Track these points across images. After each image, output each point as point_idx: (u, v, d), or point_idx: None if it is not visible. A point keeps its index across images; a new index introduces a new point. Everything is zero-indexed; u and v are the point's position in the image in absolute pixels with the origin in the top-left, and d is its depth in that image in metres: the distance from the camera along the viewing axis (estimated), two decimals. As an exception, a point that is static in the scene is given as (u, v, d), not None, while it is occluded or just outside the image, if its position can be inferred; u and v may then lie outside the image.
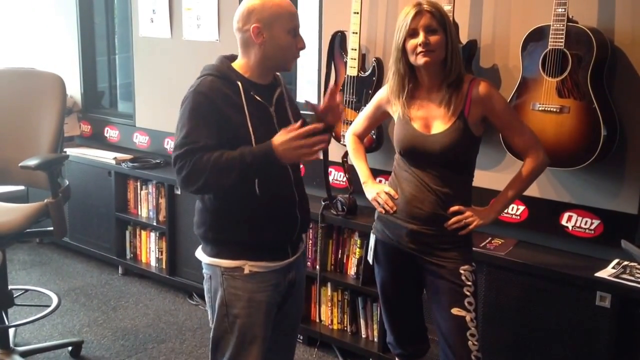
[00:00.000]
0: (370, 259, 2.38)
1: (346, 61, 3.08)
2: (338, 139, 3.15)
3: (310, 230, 3.25)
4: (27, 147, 2.94)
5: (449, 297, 2.16)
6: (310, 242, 3.28)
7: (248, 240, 1.96)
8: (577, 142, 2.45)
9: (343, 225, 3.17)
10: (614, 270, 2.46)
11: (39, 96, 3.05)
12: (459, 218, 2.17)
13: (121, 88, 4.79)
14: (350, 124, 2.60)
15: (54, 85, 3.04)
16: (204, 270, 2.04)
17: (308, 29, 3.39)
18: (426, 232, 2.18)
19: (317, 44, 3.36)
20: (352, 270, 3.19)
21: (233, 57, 2.00)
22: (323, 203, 3.20)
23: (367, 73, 3.04)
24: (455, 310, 2.15)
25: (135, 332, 3.47)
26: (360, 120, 2.47)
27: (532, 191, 2.68)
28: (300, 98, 3.42)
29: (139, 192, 4.13)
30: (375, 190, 2.30)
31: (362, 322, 3.20)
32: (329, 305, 3.29)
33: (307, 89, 3.50)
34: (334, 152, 3.19)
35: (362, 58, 3.07)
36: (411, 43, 2.10)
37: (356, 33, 3.00)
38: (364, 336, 3.21)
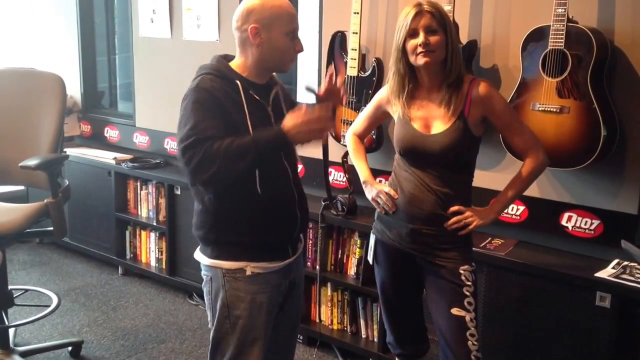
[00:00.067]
0: (370, 259, 2.38)
1: (346, 61, 3.08)
2: (338, 139, 3.16)
3: (310, 230, 3.25)
4: (27, 147, 2.94)
5: (449, 297, 2.16)
6: (310, 242, 3.28)
7: (250, 241, 1.95)
8: (577, 142, 2.45)
9: (343, 225, 3.17)
10: (614, 271, 2.46)
11: (39, 96, 3.05)
12: (459, 218, 2.17)
13: (121, 88, 4.79)
14: (351, 124, 2.61)
15: (54, 85, 3.04)
16: (203, 272, 2.03)
17: (308, 29, 3.39)
18: (426, 232, 2.18)
19: (317, 44, 3.36)
20: (352, 270, 3.19)
21: (228, 57, 1.99)
22: (323, 203, 3.20)
23: (367, 73, 3.04)
24: (455, 310, 2.15)
25: (135, 332, 3.47)
26: (360, 120, 2.47)
27: (532, 191, 2.68)
28: (301, 98, 3.42)
29: (138, 192, 4.13)
30: (375, 190, 2.30)
31: (362, 322, 3.20)
32: (329, 305, 3.29)
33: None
34: (334, 152, 3.19)
35: (362, 58, 3.07)
36: (411, 43, 2.10)
37: (356, 33, 3.00)
38: (364, 336, 3.21)
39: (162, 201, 3.97)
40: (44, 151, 2.90)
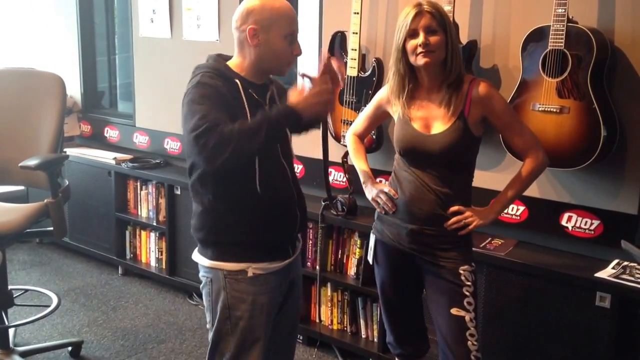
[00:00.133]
0: (370, 259, 2.38)
1: (346, 61, 3.08)
2: (338, 139, 3.16)
3: (310, 230, 3.26)
4: (27, 147, 2.94)
5: (449, 297, 2.16)
6: (310, 242, 3.28)
7: (251, 241, 1.94)
8: (577, 143, 2.45)
9: (343, 225, 3.17)
10: (614, 271, 2.46)
11: (39, 96, 3.05)
12: (459, 218, 2.17)
13: (121, 88, 4.79)
14: (351, 124, 2.61)
15: (54, 85, 3.04)
16: (202, 274, 2.01)
17: (308, 29, 3.39)
18: (426, 232, 2.18)
19: (317, 44, 3.36)
20: (352, 270, 3.19)
21: (223, 56, 1.98)
22: (323, 203, 3.20)
23: (367, 73, 3.04)
24: (454, 310, 2.15)
25: (135, 332, 3.47)
26: (360, 120, 2.47)
27: (532, 191, 2.68)
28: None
29: (138, 192, 4.13)
30: (375, 190, 2.30)
31: (362, 322, 3.20)
32: (329, 305, 3.29)
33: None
34: (334, 153, 3.19)
35: (362, 58, 3.07)
36: (411, 43, 2.10)
37: (356, 33, 3.00)
38: (363, 336, 3.21)
39: (162, 201, 3.97)
40: (44, 151, 2.90)
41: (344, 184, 3.24)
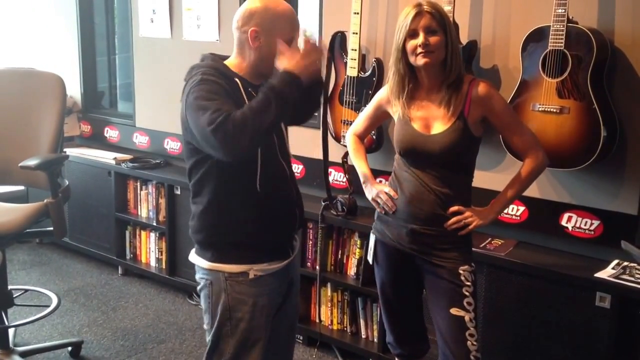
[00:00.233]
0: (370, 259, 2.38)
1: (346, 62, 3.08)
2: (338, 140, 3.16)
3: (310, 231, 3.26)
4: (27, 147, 2.94)
5: (448, 297, 2.16)
6: (310, 242, 3.28)
7: (252, 242, 1.94)
8: (577, 143, 2.45)
9: (343, 225, 3.17)
10: (614, 271, 2.46)
11: (39, 96, 3.05)
12: (459, 218, 2.17)
13: (121, 88, 4.79)
14: (351, 124, 2.61)
15: (54, 85, 3.04)
16: (200, 276, 1.99)
17: (308, 30, 3.39)
18: (426, 232, 2.18)
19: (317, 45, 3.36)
20: (352, 270, 3.19)
21: (221, 57, 1.97)
22: (323, 203, 3.20)
23: (367, 73, 3.04)
24: (454, 310, 2.15)
25: (135, 333, 3.47)
26: (360, 120, 2.47)
27: (532, 192, 2.68)
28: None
29: (138, 192, 4.13)
30: (375, 190, 2.30)
31: (362, 322, 3.20)
32: (329, 305, 3.29)
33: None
34: (334, 153, 3.20)
35: (362, 58, 3.07)
36: (411, 44, 2.10)
37: (356, 33, 3.00)
38: (363, 336, 3.21)
39: (162, 201, 3.98)
40: (44, 151, 2.90)
41: (344, 184, 3.24)
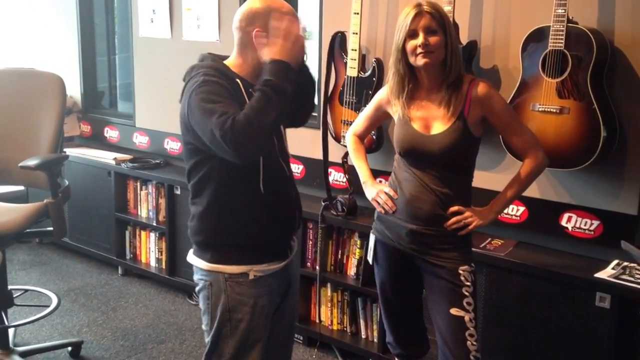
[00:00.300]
0: (369, 259, 2.38)
1: (346, 62, 3.08)
2: (338, 140, 3.16)
3: (310, 231, 3.26)
4: (27, 147, 2.94)
5: (448, 297, 2.17)
6: (310, 242, 3.28)
7: (252, 243, 1.93)
8: (577, 143, 2.45)
9: (343, 225, 3.17)
10: (614, 271, 2.46)
11: (39, 96, 3.05)
12: (459, 218, 2.17)
13: (121, 88, 4.79)
14: (351, 124, 2.61)
15: (54, 85, 3.04)
16: (199, 277, 1.98)
17: (308, 30, 3.39)
18: (426, 232, 2.18)
19: (317, 45, 3.36)
20: (352, 270, 3.19)
21: (220, 57, 1.96)
22: (323, 203, 3.20)
23: (367, 74, 3.04)
24: (454, 311, 2.15)
25: (135, 333, 3.47)
26: (360, 120, 2.47)
27: (532, 192, 2.68)
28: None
29: (138, 192, 4.13)
30: (375, 190, 2.30)
31: (361, 322, 3.20)
32: (329, 305, 3.29)
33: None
34: (334, 153, 3.20)
35: (362, 59, 3.07)
36: (411, 44, 2.10)
37: (356, 34, 3.00)
38: (363, 337, 3.21)
39: (162, 201, 3.98)
40: (43, 151, 2.90)
41: (344, 184, 3.24)
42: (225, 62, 1.94)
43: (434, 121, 2.16)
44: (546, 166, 2.26)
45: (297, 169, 3.49)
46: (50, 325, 3.51)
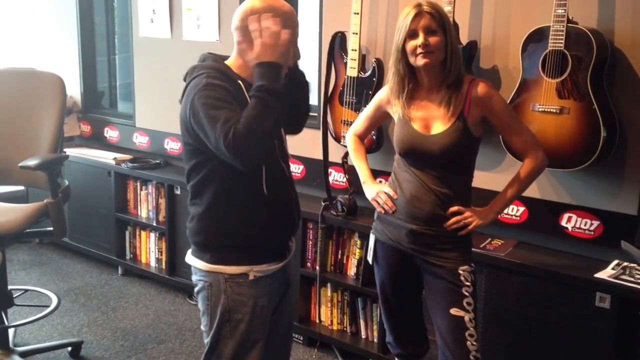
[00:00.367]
0: (369, 259, 2.38)
1: (346, 62, 3.08)
2: (338, 140, 3.16)
3: (310, 231, 3.26)
4: (27, 147, 2.94)
5: (448, 297, 2.17)
6: (310, 242, 3.28)
7: (253, 244, 1.93)
8: (577, 143, 2.45)
9: (343, 225, 3.17)
10: (614, 271, 2.46)
11: (39, 96, 3.05)
12: (459, 218, 2.17)
13: (121, 88, 4.79)
14: (351, 124, 2.61)
15: (54, 85, 3.04)
16: (198, 278, 1.97)
17: (308, 30, 3.39)
18: (426, 232, 2.18)
19: (317, 45, 3.36)
20: (352, 270, 3.19)
21: (221, 57, 1.95)
22: (323, 203, 3.20)
23: (367, 74, 3.04)
24: (453, 311, 2.15)
25: (135, 333, 3.47)
26: (360, 120, 2.47)
27: (532, 192, 2.68)
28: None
29: (138, 192, 4.13)
30: (374, 190, 2.30)
31: (361, 322, 3.20)
32: (329, 305, 3.29)
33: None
34: (334, 153, 3.20)
35: (362, 59, 3.07)
36: (411, 44, 2.10)
37: (356, 34, 3.00)
38: (363, 337, 3.21)
39: (162, 201, 3.98)
40: (43, 151, 2.90)
41: (344, 184, 3.24)
42: (226, 62, 1.93)
43: (434, 121, 2.16)
44: (546, 166, 2.26)
45: (297, 169, 3.49)
46: (50, 325, 3.51)
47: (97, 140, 4.64)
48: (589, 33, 2.37)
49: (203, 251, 1.95)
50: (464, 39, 2.75)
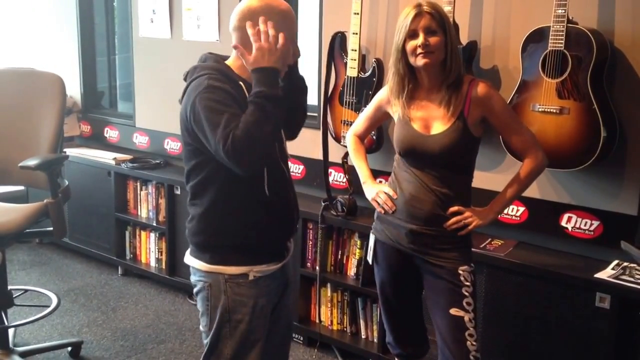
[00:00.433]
0: (369, 259, 2.38)
1: (346, 62, 3.08)
2: (338, 140, 3.16)
3: (310, 231, 3.26)
4: (27, 147, 2.94)
5: (448, 297, 2.17)
6: (310, 242, 3.28)
7: (253, 244, 1.92)
8: (576, 143, 2.45)
9: (343, 226, 3.17)
10: (614, 272, 2.46)
11: (39, 96, 3.05)
12: (459, 218, 2.17)
13: (121, 88, 4.79)
14: (351, 124, 2.61)
15: (54, 85, 3.04)
16: (197, 278, 1.97)
17: (308, 30, 3.39)
18: (425, 232, 2.18)
19: (317, 45, 3.36)
20: (352, 271, 3.19)
21: (222, 57, 1.95)
22: (323, 203, 3.20)
23: (367, 74, 3.04)
24: (453, 311, 2.15)
25: (135, 333, 3.47)
26: (360, 120, 2.47)
27: (532, 192, 2.68)
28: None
29: (138, 192, 4.13)
30: (374, 190, 2.30)
31: (361, 322, 3.20)
32: (329, 306, 3.29)
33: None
34: (335, 153, 3.20)
35: (362, 59, 3.07)
36: (411, 44, 2.10)
37: (356, 34, 3.00)
38: (363, 337, 3.21)
39: (162, 201, 3.98)
40: (43, 151, 2.90)
41: (344, 184, 3.24)
42: (227, 62, 1.92)
43: (434, 121, 2.16)
44: (546, 166, 2.26)
45: (297, 169, 3.49)
46: (50, 326, 3.51)
47: (97, 140, 4.64)
48: (589, 33, 2.37)
49: (202, 252, 1.95)
50: (464, 39, 2.75)
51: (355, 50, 3.02)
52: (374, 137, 3.01)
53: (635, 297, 2.31)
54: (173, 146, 4.17)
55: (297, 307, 3.29)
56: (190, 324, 3.58)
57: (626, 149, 2.51)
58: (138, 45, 4.26)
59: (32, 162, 2.69)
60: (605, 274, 2.44)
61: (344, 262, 3.23)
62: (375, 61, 3.01)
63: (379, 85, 2.97)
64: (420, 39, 2.07)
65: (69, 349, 3.23)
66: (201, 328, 2.02)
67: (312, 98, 3.41)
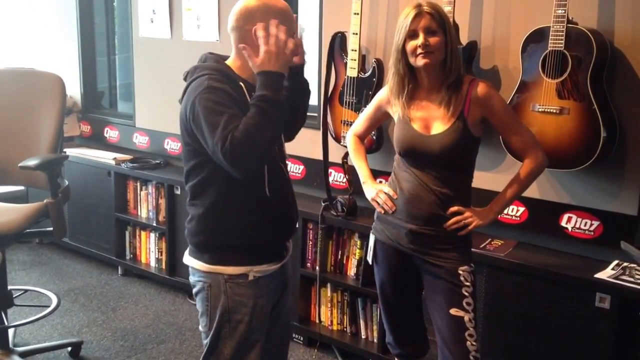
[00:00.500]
0: (369, 259, 2.38)
1: (346, 62, 3.08)
2: (338, 140, 3.16)
3: (310, 231, 3.26)
4: (27, 147, 2.95)
5: (448, 298, 2.17)
6: (310, 242, 3.28)
7: (253, 244, 1.92)
8: (576, 144, 2.45)
9: (343, 226, 3.17)
10: (614, 272, 2.46)
11: (39, 96, 3.05)
12: (458, 218, 2.17)
13: (121, 88, 4.79)
14: (351, 124, 2.61)
15: (54, 85, 3.04)
16: (197, 279, 1.97)
17: (308, 30, 3.39)
18: (425, 232, 2.18)
19: (317, 45, 3.36)
20: (352, 271, 3.19)
21: (222, 57, 1.95)
22: (323, 204, 3.20)
23: (367, 74, 3.04)
24: (453, 311, 2.15)
25: (135, 333, 3.47)
26: (360, 120, 2.47)
27: (532, 192, 2.68)
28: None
29: (138, 192, 4.13)
30: (374, 190, 2.30)
31: (361, 322, 3.20)
32: (329, 306, 3.29)
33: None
34: (335, 153, 3.20)
35: (362, 59, 3.07)
36: (411, 44, 2.10)
37: (356, 34, 3.00)
38: (363, 337, 3.21)
39: (162, 201, 3.98)
40: (43, 151, 2.90)
41: (344, 184, 3.24)
42: (227, 62, 1.92)
43: (434, 121, 2.16)
44: (546, 166, 2.26)
45: (297, 169, 3.49)
46: (50, 326, 3.51)
47: (97, 140, 4.64)
48: (588, 33, 2.37)
49: (202, 252, 1.95)
50: (464, 39, 2.75)
51: (355, 51, 3.02)
52: (374, 137, 3.01)
53: (635, 297, 2.31)
54: (173, 146, 4.17)
55: (297, 307, 3.29)
56: (190, 324, 3.58)
57: (626, 149, 2.51)
58: (138, 45, 4.27)
59: (32, 162, 2.69)
60: (605, 274, 2.44)
61: (344, 262, 3.23)
62: (375, 61, 3.02)
63: (379, 86, 2.97)
64: (420, 39, 2.07)
65: (69, 349, 3.23)
66: (201, 328, 2.02)
67: (312, 98, 3.40)
